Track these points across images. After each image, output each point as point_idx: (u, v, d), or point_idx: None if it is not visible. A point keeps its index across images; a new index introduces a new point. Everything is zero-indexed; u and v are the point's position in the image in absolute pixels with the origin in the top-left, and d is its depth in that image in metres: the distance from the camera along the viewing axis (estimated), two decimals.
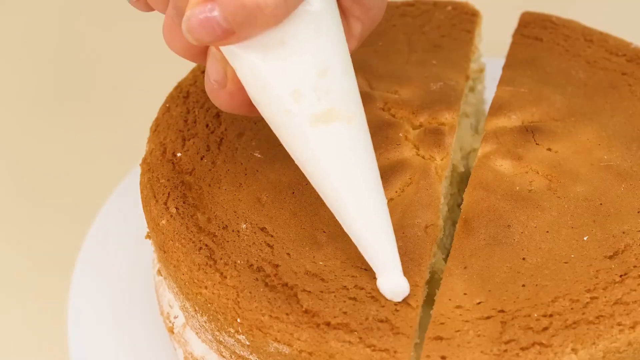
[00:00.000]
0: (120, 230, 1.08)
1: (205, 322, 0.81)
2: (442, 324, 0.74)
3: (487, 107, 1.17)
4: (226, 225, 0.84)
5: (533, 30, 1.10)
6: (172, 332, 0.92)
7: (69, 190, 1.27)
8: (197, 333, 0.87)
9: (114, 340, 0.97)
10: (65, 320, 1.00)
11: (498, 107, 0.95)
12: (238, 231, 0.83)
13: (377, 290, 0.76)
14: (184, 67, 1.02)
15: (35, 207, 1.25)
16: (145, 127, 0.99)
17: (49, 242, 1.18)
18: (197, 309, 0.81)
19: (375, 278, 0.77)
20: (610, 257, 0.78)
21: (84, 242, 1.07)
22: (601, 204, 0.83)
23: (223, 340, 0.81)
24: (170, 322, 0.93)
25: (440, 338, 0.72)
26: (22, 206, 1.25)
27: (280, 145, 0.91)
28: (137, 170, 1.11)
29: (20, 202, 1.26)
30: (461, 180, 1.00)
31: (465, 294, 0.76)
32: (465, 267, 0.78)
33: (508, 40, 1.10)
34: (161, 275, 0.95)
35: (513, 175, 0.86)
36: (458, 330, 0.73)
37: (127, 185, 1.14)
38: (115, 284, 1.03)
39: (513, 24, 1.16)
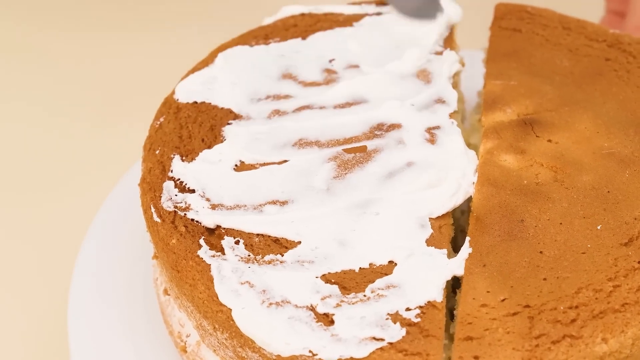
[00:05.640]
0: (113, 244, 1.05)
1: (226, 339, 0.80)
2: (469, 323, 0.74)
3: (465, 99, 1.18)
4: (239, 240, 0.83)
5: (510, 22, 1.11)
6: (185, 351, 0.91)
7: (66, 195, 1.27)
8: (214, 350, 0.86)
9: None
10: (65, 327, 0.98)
11: (492, 102, 0.95)
12: (252, 245, 0.82)
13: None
14: (172, 78, 1.02)
15: (35, 209, 1.25)
16: (133, 131, 0.97)
17: (49, 245, 1.18)
18: (216, 326, 0.80)
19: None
20: (626, 244, 0.79)
21: (79, 254, 1.03)
22: (609, 191, 0.84)
23: (246, 356, 0.80)
24: (182, 341, 0.91)
25: (471, 338, 0.73)
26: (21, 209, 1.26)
27: (281, 156, 0.91)
28: (126, 179, 1.09)
29: (19, 204, 1.26)
30: None
31: (488, 291, 0.76)
32: (484, 265, 0.78)
33: (478, 32, 1.10)
34: (168, 295, 0.93)
35: (519, 170, 0.86)
36: (487, 329, 0.73)
37: (115, 197, 1.11)
38: (115, 305, 1.00)
39: (481, 15, 1.16)
